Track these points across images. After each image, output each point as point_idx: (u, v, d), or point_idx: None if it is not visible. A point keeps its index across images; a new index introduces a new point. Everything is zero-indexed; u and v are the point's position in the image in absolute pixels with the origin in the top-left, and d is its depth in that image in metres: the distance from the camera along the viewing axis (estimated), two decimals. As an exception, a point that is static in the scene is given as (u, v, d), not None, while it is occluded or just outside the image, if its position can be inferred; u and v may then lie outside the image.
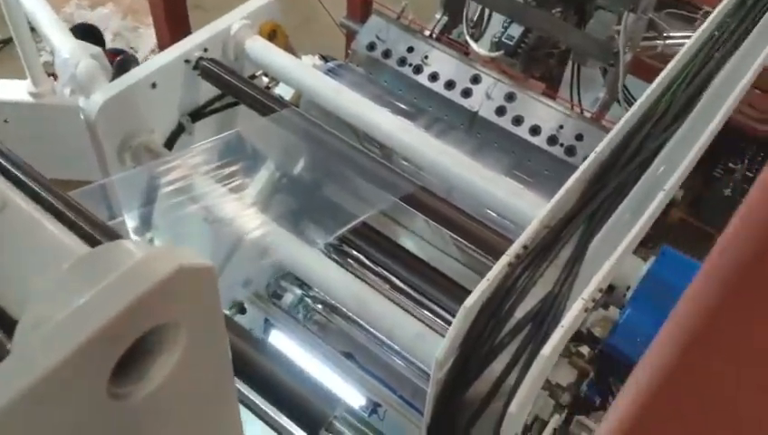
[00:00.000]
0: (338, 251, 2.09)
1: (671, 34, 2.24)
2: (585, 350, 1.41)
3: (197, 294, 0.54)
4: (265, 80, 2.06)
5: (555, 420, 1.31)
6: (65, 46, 1.78)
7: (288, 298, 2.26)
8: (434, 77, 2.20)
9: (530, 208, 1.64)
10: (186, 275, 0.51)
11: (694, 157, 1.27)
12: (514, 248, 1.19)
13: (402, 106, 2.19)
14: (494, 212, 1.81)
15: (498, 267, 1.16)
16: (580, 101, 2.59)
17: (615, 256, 1.15)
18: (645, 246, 1.39)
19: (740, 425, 0.55)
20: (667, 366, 0.56)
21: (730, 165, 2.81)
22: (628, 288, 1.44)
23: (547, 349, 1.06)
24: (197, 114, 1.95)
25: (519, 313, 1.16)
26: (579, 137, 2.08)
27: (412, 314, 1.67)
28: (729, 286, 0.50)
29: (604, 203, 1.29)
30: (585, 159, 2.02)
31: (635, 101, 1.46)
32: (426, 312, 1.95)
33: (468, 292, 1.59)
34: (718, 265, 0.52)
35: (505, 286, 1.16)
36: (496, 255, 1.53)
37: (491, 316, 1.15)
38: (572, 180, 1.31)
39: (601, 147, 1.33)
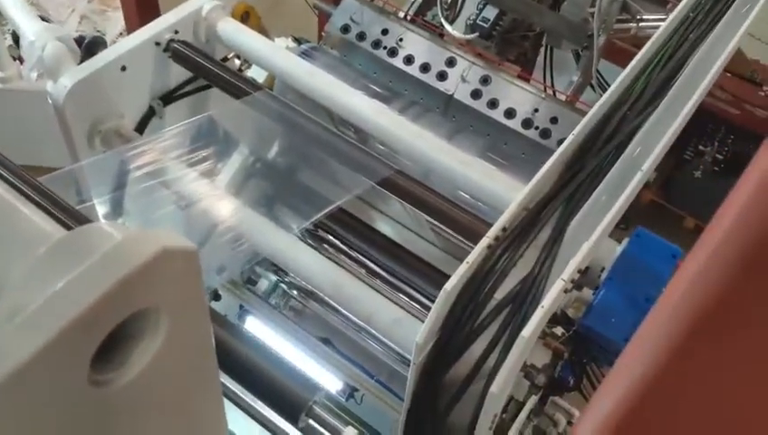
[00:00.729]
0: (313, 236, 2.08)
1: (645, 17, 2.26)
2: (559, 331, 1.42)
3: (180, 277, 0.52)
4: (238, 62, 2.04)
5: (531, 402, 1.32)
6: (31, 29, 1.73)
7: (263, 284, 2.25)
8: (409, 60, 2.19)
9: (506, 191, 1.64)
10: (169, 258, 0.50)
11: (669, 139, 1.29)
12: (494, 230, 1.20)
13: (377, 89, 2.19)
14: (471, 196, 1.82)
15: (478, 250, 1.16)
16: (553, 84, 2.60)
17: (593, 237, 1.16)
18: (617, 227, 1.40)
19: (737, 418, 0.55)
20: (662, 358, 0.56)
21: (700, 147, 2.86)
22: (603, 269, 1.45)
23: (527, 330, 1.07)
24: (168, 98, 1.92)
25: (499, 294, 1.17)
26: (553, 120, 2.09)
27: (390, 299, 1.67)
28: (730, 275, 0.51)
29: (582, 185, 1.30)
30: (560, 142, 2.07)
31: (608, 85, 1.47)
32: (403, 297, 1.95)
33: (446, 276, 1.60)
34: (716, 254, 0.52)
35: (485, 269, 1.17)
36: (474, 238, 1.53)
37: (471, 299, 1.16)
38: (550, 162, 1.32)
39: (578, 129, 1.34)
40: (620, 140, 1.35)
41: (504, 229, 1.22)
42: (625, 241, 1.44)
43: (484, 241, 1.18)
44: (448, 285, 1.10)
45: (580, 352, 1.42)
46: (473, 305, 1.15)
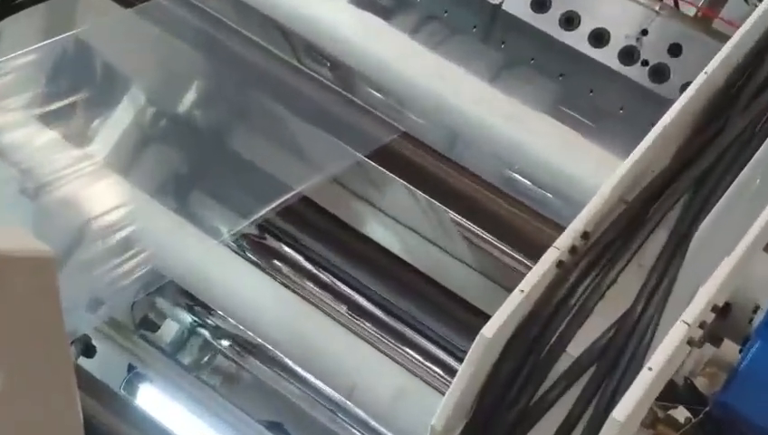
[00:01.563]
0: (258, 248, 2.08)
1: None
2: (681, 414, 1.42)
3: (25, 305, 0.52)
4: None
5: None
6: None
7: (169, 329, 2.27)
8: (425, -59, 2.21)
9: (590, 171, 1.66)
10: (7, 271, 0.50)
11: None
12: (568, 237, 1.20)
13: (370, -6, 2.19)
14: (530, 178, 1.83)
15: (541, 269, 1.16)
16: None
17: (740, 250, 1.16)
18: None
19: None
20: None
21: None
22: (757, 308, 1.46)
23: (623, 410, 1.06)
24: (5, 5, 1.91)
25: (575, 347, 1.17)
26: (674, 49, 2.10)
27: (388, 356, 1.69)
28: None
29: (721, 160, 1.31)
30: (684, 87, 2.07)
31: None
32: (410, 352, 1.96)
33: (485, 315, 1.61)
34: None
35: (552, 302, 1.17)
36: (533, 251, 1.54)
37: (527, 355, 1.16)
38: (666, 122, 1.32)
39: (714, 66, 1.35)
40: None
41: (584, 235, 1.21)
42: None
43: (552, 255, 1.18)
44: (488, 330, 1.10)
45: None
46: (530, 365, 1.15)
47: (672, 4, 2.32)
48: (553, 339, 1.17)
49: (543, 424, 1.15)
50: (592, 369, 1.16)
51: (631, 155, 1.29)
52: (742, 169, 1.31)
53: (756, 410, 1.31)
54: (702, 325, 1.15)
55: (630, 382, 1.10)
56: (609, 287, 1.21)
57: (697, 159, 1.32)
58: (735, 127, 1.33)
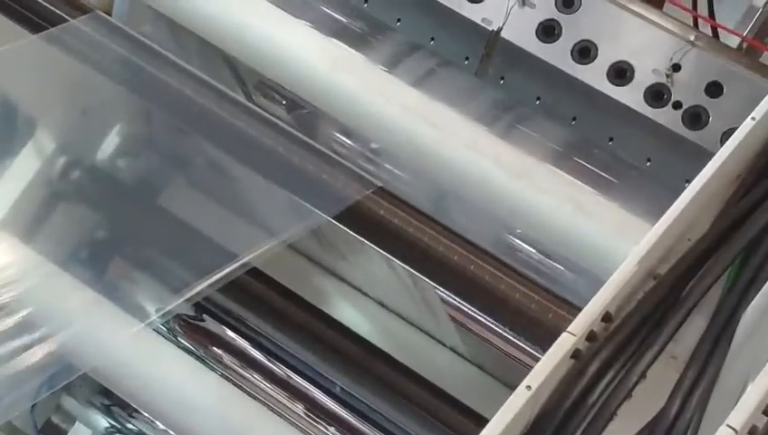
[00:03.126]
0: (193, 332, 2.08)
1: None
2: None
3: None
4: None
5: None
6: None
7: None
8: (407, -43, 2.23)
9: (613, 238, 1.67)
10: None
11: None
12: (585, 321, 1.21)
13: (339, 18, 2.19)
14: (536, 246, 1.86)
15: (552, 361, 1.17)
16: (709, 11, 2.64)
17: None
18: None
19: None
20: None
21: None
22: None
23: None
24: None
25: (595, 460, 1.17)
26: (713, 88, 2.11)
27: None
28: None
29: (773, 226, 1.31)
30: (725, 134, 2.10)
31: None
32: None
33: (479, 417, 1.61)
34: None
35: (567, 401, 1.18)
36: (541, 335, 1.55)
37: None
38: (704, 180, 1.34)
39: (764, 111, 1.37)
40: None
41: (606, 318, 1.23)
42: None
43: (566, 342, 1.18)
44: None
45: None
46: None
47: (710, 33, 2.35)
48: None
49: None
50: None
51: (662, 219, 1.30)
52: None
53: None
54: (753, 431, 1.15)
55: None
56: (636, 384, 1.21)
57: (744, 226, 1.33)
58: None
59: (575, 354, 1.20)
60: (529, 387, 1.15)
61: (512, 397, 1.14)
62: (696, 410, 1.19)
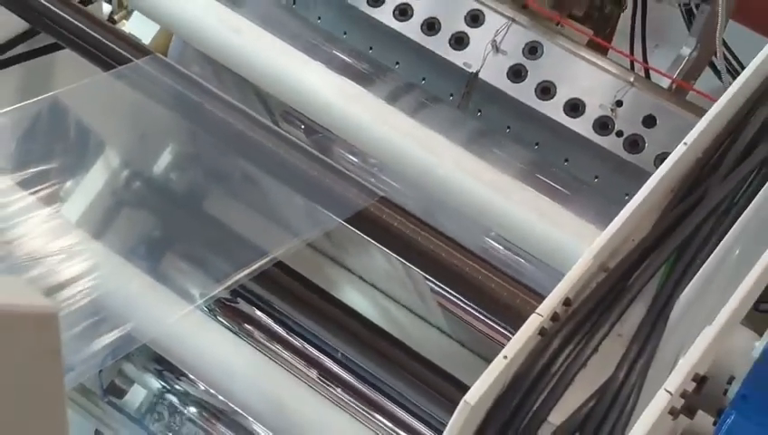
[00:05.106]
0: (230, 312, 2.07)
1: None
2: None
3: (27, 362, 0.52)
4: (108, 7, 2.07)
5: None
6: None
7: (137, 395, 2.27)
8: (404, 12, 2.21)
9: (570, 239, 1.67)
10: (8, 325, 0.50)
11: None
12: (550, 304, 1.20)
13: (348, 60, 2.21)
14: (509, 246, 1.86)
15: (524, 336, 1.16)
16: (645, 58, 2.63)
17: (722, 319, 1.17)
18: (755, 308, 1.41)
19: None
20: None
21: None
22: (731, 380, 1.46)
23: (607, 479, 1.07)
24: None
25: (556, 416, 1.17)
26: (648, 120, 2.12)
27: (366, 427, 1.71)
28: None
29: (700, 230, 1.32)
30: (659, 158, 2.09)
31: (741, 65, 1.47)
32: (381, 418, 1.95)
33: (463, 387, 1.60)
34: None
35: (535, 369, 1.18)
36: (510, 317, 1.55)
37: (509, 422, 1.15)
38: (645, 193, 1.34)
39: (694, 136, 1.37)
40: (765, 155, 1.38)
41: (566, 302, 1.22)
42: None
43: (534, 321, 1.18)
44: (471, 397, 1.09)
45: None
46: (512, 434, 1.15)
47: (645, 75, 2.36)
48: (535, 407, 1.16)
49: None
50: None
51: (612, 223, 1.30)
52: (721, 239, 1.31)
53: None
54: (684, 395, 1.15)
55: None
56: (590, 356, 1.21)
57: (677, 229, 1.33)
58: (714, 197, 1.35)
59: (542, 332, 1.20)
60: (506, 356, 1.15)
61: (492, 363, 1.14)
62: (639, 377, 1.20)
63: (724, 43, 2.41)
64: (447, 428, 1.12)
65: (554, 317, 1.22)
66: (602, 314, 1.25)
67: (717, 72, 2.49)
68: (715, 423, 1.32)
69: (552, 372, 1.19)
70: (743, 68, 1.50)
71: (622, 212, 1.32)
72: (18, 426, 0.57)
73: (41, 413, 0.57)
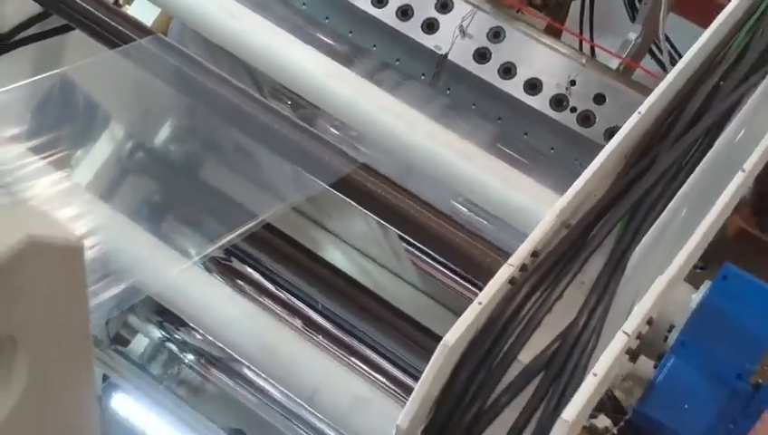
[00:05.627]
0: (224, 269, 2.06)
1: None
2: (604, 422, 1.42)
3: (52, 290, 0.49)
4: (112, -9, 2.05)
5: None
6: None
7: (140, 343, 2.27)
8: (380, 0, 2.21)
9: (530, 202, 1.67)
10: (37, 255, 0.47)
11: None
12: (520, 256, 1.20)
13: (330, 42, 2.20)
14: (475, 208, 1.86)
15: (496, 284, 1.16)
16: (592, 39, 2.65)
17: (672, 270, 1.18)
18: (693, 266, 1.41)
19: None
20: None
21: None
22: (671, 328, 1.46)
23: (571, 411, 1.05)
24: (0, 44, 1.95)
25: (525, 355, 1.16)
26: (599, 98, 2.13)
27: (345, 367, 1.66)
28: None
29: (651, 192, 1.32)
30: (608, 132, 2.11)
31: (677, 53, 1.46)
32: (364, 366, 1.95)
33: (434, 336, 1.60)
34: None
35: (505, 315, 1.17)
36: (477, 272, 1.54)
37: (482, 362, 1.15)
38: (603, 158, 1.34)
39: (647, 107, 1.36)
40: (709, 124, 1.37)
41: (534, 254, 1.22)
42: (705, 286, 1.45)
43: (505, 272, 1.17)
44: (450, 338, 1.09)
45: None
46: (484, 372, 1.15)
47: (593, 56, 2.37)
48: (506, 348, 1.16)
49: (496, 426, 1.14)
50: (540, 375, 1.16)
51: (574, 185, 1.30)
52: (670, 199, 1.32)
53: (671, 418, 1.33)
54: (639, 336, 1.15)
55: (575, 387, 1.11)
56: (555, 302, 1.21)
57: (631, 190, 1.33)
58: (664, 162, 1.35)
59: (512, 281, 1.20)
60: (480, 303, 1.15)
61: (468, 310, 1.14)
62: (598, 321, 1.19)
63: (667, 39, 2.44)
64: (428, 367, 1.11)
65: (523, 268, 1.21)
66: (565, 264, 1.25)
67: (657, 59, 2.52)
68: (655, 367, 1.33)
69: (521, 316, 1.18)
70: (679, 55, 1.50)
71: (583, 175, 1.31)
72: (47, 352, 0.55)
73: (67, 337, 0.55)
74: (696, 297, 1.43)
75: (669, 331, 1.44)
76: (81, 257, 0.53)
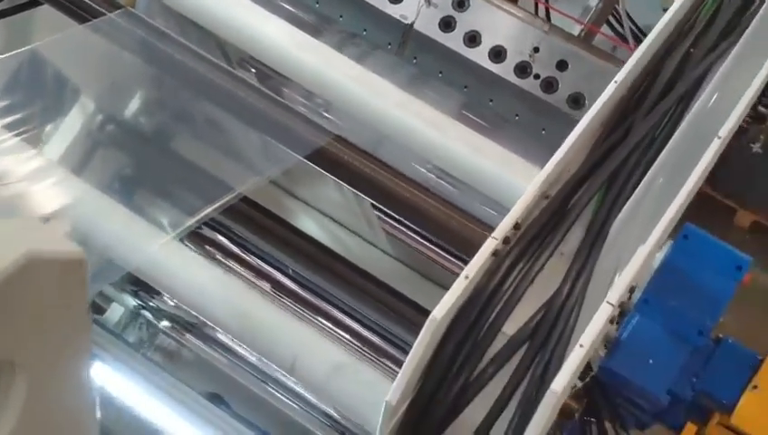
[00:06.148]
0: (197, 238, 2.01)
1: None
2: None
3: (54, 310, 0.44)
4: (79, -34, 1.97)
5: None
6: None
7: (115, 312, 2.21)
8: (346, -31, 2.20)
9: (497, 168, 1.66)
10: (36, 273, 0.41)
11: (756, 89, 1.29)
12: (503, 229, 1.18)
13: (297, 12, 2.16)
14: (446, 176, 1.82)
15: (481, 258, 1.14)
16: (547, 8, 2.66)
17: (653, 238, 1.17)
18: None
19: None
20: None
21: (760, 109, 2.90)
22: (634, 288, 1.47)
23: (559, 381, 1.04)
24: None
25: (510, 327, 1.15)
26: (561, 64, 2.13)
27: (316, 329, 1.67)
28: None
29: (628, 161, 1.30)
30: (571, 97, 2.12)
31: (634, 23, 1.44)
32: (338, 330, 1.92)
33: (405, 299, 1.58)
34: None
35: (489, 287, 1.15)
36: (447, 239, 1.53)
37: (467, 334, 1.14)
38: (580, 129, 1.32)
39: (623, 76, 1.35)
40: (682, 92, 1.36)
41: (516, 226, 1.19)
42: (666, 246, 1.46)
43: (490, 245, 1.15)
44: (438, 313, 1.07)
45: (599, 410, 1.43)
46: (470, 344, 1.13)
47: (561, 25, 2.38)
48: (491, 320, 1.15)
49: (483, 397, 1.13)
50: (525, 346, 1.15)
51: (554, 155, 1.28)
52: (647, 169, 1.31)
53: (636, 373, 1.33)
54: (622, 305, 1.15)
55: (560, 356, 1.11)
56: (537, 274, 1.20)
57: (607, 160, 1.32)
58: (638, 132, 1.33)
59: (495, 253, 1.18)
60: (467, 277, 1.13)
61: (455, 284, 1.12)
62: (581, 291, 1.19)
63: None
64: (416, 342, 1.10)
65: (506, 241, 1.19)
66: (547, 236, 1.23)
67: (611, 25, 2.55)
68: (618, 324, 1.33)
69: (505, 288, 1.17)
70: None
71: (562, 146, 1.29)
72: (46, 361, 0.49)
73: (66, 348, 0.50)
74: (660, 256, 1.44)
75: (632, 291, 1.45)
76: (84, 271, 0.47)
